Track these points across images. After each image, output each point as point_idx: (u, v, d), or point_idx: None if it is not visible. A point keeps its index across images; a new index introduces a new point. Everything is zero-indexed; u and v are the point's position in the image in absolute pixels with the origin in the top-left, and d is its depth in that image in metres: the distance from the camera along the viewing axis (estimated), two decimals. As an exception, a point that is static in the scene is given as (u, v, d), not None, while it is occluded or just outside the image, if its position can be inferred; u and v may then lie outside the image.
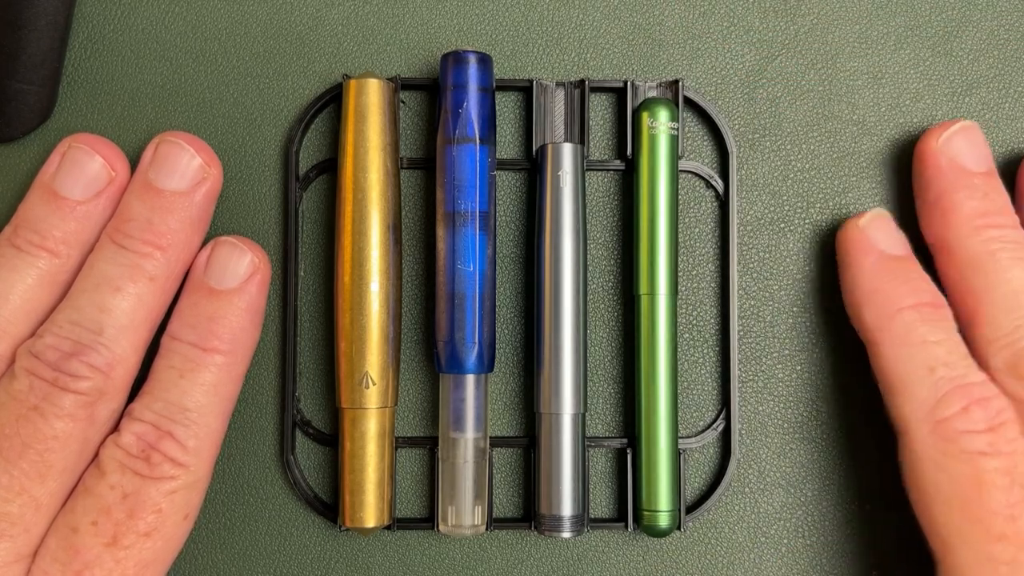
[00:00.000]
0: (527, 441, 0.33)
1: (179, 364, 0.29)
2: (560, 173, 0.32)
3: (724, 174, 0.33)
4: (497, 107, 0.33)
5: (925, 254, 0.32)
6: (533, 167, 0.33)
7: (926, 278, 0.31)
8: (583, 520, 0.32)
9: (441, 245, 0.32)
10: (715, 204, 0.34)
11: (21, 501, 0.28)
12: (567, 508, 0.31)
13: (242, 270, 0.31)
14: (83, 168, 0.31)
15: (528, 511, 0.33)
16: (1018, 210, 0.32)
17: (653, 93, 0.33)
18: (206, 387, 0.29)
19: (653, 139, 0.32)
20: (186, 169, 0.30)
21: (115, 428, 0.30)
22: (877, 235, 0.32)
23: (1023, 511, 0.28)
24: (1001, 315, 0.30)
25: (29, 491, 0.28)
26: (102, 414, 0.29)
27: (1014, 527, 0.28)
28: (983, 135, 0.32)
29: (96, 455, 0.29)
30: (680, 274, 0.33)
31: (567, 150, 0.32)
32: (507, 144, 0.34)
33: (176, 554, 0.30)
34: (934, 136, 0.32)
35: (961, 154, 0.32)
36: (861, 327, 0.31)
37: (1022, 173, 0.33)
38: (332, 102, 0.33)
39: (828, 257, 0.33)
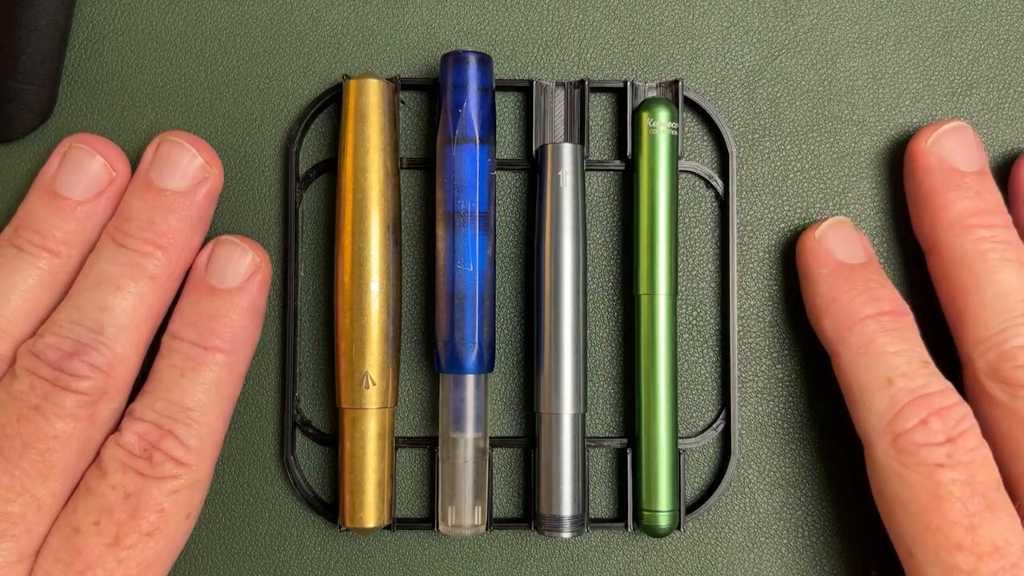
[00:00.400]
0: (527, 441, 0.33)
1: (180, 363, 0.29)
2: (560, 173, 0.32)
3: (724, 174, 0.33)
4: (497, 107, 0.33)
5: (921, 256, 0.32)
6: (533, 167, 0.33)
7: (887, 284, 0.31)
8: (583, 520, 0.32)
9: (441, 245, 0.32)
10: (715, 204, 0.34)
11: (23, 501, 0.28)
12: (567, 508, 0.31)
13: (243, 269, 0.31)
14: (84, 168, 0.31)
15: (528, 511, 0.33)
16: (1012, 211, 0.32)
17: (653, 93, 0.33)
18: (207, 386, 0.29)
19: (653, 139, 0.32)
20: (187, 169, 0.30)
21: (116, 428, 0.30)
22: (834, 244, 0.32)
23: (983, 520, 0.28)
24: (989, 316, 0.30)
25: (31, 491, 0.28)
26: (103, 414, 0.29)
27: (973, 537, 0.28)
28: (975, 135, 0.32)
29: (97, 455, 0.29)
30: (680, 274, 0.33)
31: (567, 150, 0.32)
32: (507, 144, 0.34)
33: (178, 553, 0.30)
34: (924, 136, 0.32)
35: (951, 154, 0.32)
36: (822, 338, 0.31)
37: (1015, 173, 0.33)
38: (332, 102, 0.33)
39: (828, 257, 0.33)
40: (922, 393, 0.29)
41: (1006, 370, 0.29)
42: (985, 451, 0.29)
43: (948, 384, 0.29)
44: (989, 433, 0.29)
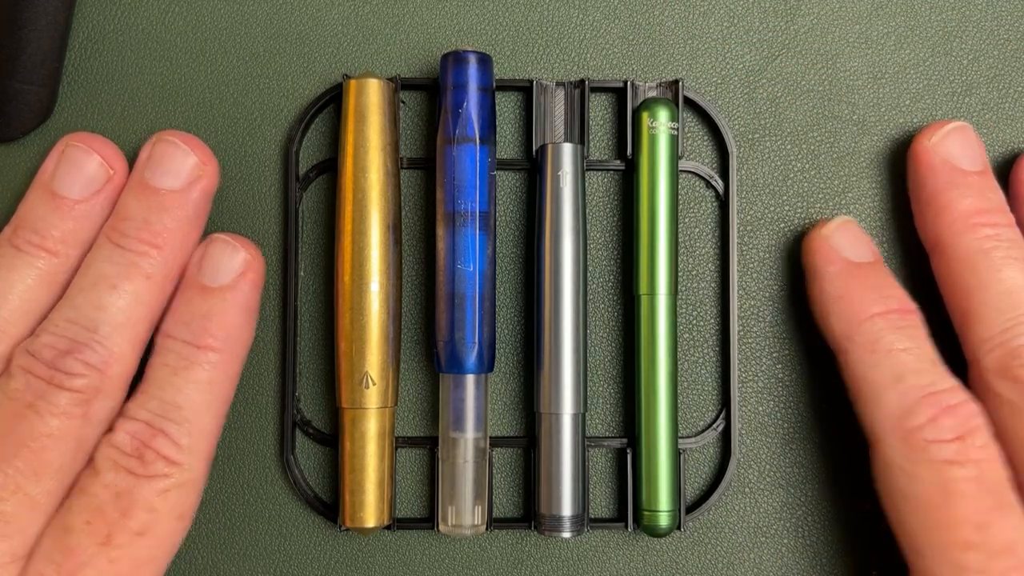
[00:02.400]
0: (527, 441, 0.33)
1: (173, 362, 0.29)
2: (560, 173, 0.32)
3: (724, 174, 0.33)
4: (497, 107, 0.33)
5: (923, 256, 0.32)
6: (533, 167, 0.33)
7: (894, 283, 0.31)
8: (583, 520, 0.32)
9: (441, 245, 0.32)
10: (715, 204, 0.34)
11: (16, 500, 0.28)
12: (567, 508, 0.31)
13: (235, 267, 0.30)
14: (81, 167, 0.31)
15: (528, 511, 0.33)
16: (1013, 210, 0.32)
17: (653, 93, 0.33)
18: (200, 385, 0.29)
19: (653, 139, 0.32)
20: (181, 168, 0.30)
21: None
22: (841, 243, 0.32)
23: (993, 518, 0.28)
24: (993, 314, 0.30)
25: (24, 490, 0.28)
26: (98, 412, 0.29)
27: (983, 535, 0.28)
28: (976, 135, 0.32)
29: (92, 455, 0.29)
30: (680, 274, 0.33)
31: (567, 150, 0.32)
32: (507, 144, 0.34)
33: (172, 555, 0.30)
34: (927, 136, 0.32)
35: (954, 153, 0.32)
36: (829, 336, 0.31)
37: (1016, 173, 0.33)
38: (332, 102, 0.33)
39: (828, 257, 0.33)
40: (932, 390, 0.29)
41: (1014, 368, 0.29)
42: (995, 449, 0.29)
43: (957, 382, 0.29)
44: (996, 432, 0.29)
